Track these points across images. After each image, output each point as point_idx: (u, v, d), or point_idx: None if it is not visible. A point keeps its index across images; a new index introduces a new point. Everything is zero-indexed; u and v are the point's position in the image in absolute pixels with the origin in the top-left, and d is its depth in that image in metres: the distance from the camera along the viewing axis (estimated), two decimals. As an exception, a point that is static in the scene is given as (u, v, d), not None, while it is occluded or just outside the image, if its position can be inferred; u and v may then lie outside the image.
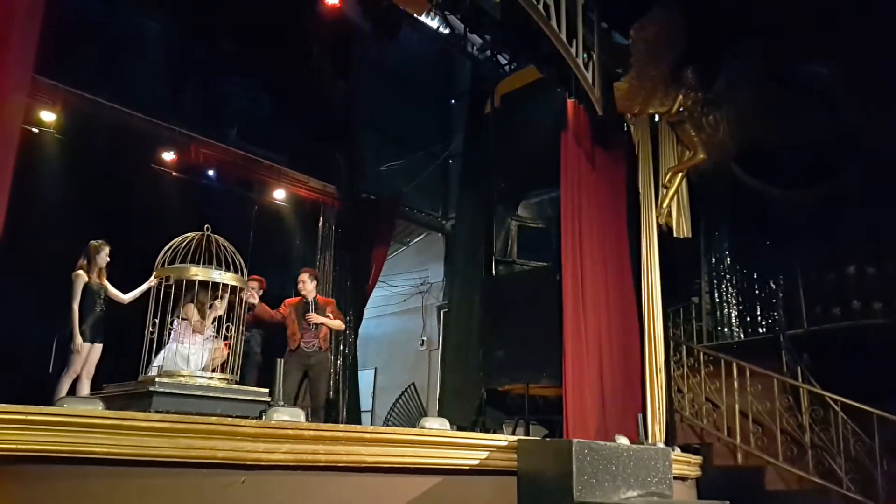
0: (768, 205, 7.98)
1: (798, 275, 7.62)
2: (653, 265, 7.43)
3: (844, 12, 7.08)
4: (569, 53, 7.02)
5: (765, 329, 7.90)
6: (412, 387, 10.81)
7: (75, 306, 5.66)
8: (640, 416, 6.49)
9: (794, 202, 7.80)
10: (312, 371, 6.79)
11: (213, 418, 3.82)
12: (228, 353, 4.95)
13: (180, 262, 4.58)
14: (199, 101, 8.78)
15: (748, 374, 7.06)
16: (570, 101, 7.48)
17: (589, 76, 7.34)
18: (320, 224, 9.41)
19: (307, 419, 4.34)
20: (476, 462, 4.77)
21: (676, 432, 7.42)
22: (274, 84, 9.22)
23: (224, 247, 4.75)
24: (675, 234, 7.75)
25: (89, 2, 7.95)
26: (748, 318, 8.07)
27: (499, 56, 10.29)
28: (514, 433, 8.41)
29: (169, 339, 4.77)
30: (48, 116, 7.10)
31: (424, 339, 11.88)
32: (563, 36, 6.91)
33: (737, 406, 7.02)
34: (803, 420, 6.68)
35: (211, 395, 4.29)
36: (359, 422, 9.30)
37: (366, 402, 10.86)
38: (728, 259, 8.35)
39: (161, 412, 3.79)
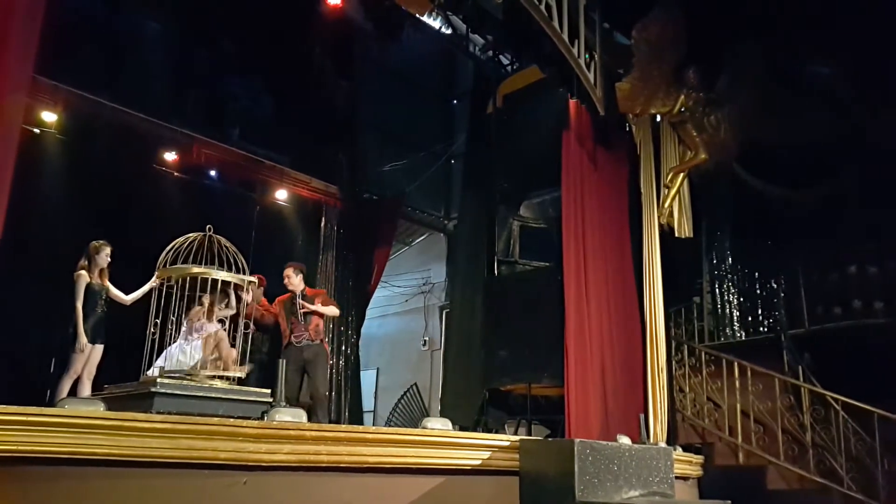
0: (770, 204, 7.98)
1: (799, 274, 7.61)
2: (654, 265, 7.44)
3: (845, 12, 7.08)
4: (571, 54, 7.03)
5: (766, 329, 7.88)
6: (414, 387, 10.83)
7: (79, 306, 5.62)
8: (641, 415, 6.48)
9: (796, 202, 7.80)
10: (309, 365, 6.77)
11: (215, 419, 3.83)
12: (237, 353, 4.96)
13: (182, 263, 4.58)
14: (201, 102, 8.77)
15: (749, 373, 7.07)
16: (572, 102, 7.48)
17: (591, 76, 7.34)
18: (322, 224, 9.37)
19: (308, 415, 4.34)
20: (478, 462, 4.77)
21: (678, 432, 7.43)
22: (276, 84, 9.20)
23: (226, 247, 4.76)
24: (676, 234, 7.76)
25: (90, 2, 7.94)
26: (749, 318, 8.05)
27: (501, 56, 10.29)
28: (516, 433, 8.40)
29: (172, 340, 4.78)
30: (49, 117, 7.07)
31: (426, 339, 11.89)
32: (565, 36, 6.92)
33: (738, 405, 7.03)
34: (804, 419, 6.68)
35: (213, 395, 4.30)
36: (361, 422, 9.27)
37: (368, 402, 10.84)
38: (729, 259, 8.34)
39: (163, 413, 3.79)
